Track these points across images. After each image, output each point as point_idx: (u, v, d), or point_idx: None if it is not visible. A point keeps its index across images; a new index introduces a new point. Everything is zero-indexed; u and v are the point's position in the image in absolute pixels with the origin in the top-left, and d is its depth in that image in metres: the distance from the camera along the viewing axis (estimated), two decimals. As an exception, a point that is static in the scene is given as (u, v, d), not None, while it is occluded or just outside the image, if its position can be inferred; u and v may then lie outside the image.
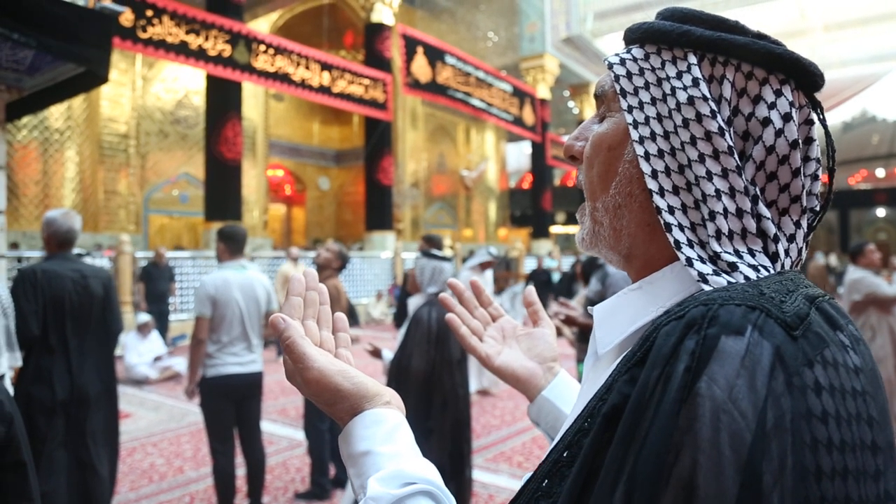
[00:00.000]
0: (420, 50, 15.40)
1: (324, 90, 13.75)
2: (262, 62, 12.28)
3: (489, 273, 8.01)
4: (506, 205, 28.42)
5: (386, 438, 0.67)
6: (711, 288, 0.53)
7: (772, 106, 0.57)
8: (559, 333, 4.48)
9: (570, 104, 27.17)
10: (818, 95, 0.61)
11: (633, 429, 0.47)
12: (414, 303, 3.50)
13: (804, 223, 0.60)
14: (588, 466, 0.50)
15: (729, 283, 0.53)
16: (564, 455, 0.54)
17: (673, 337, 0.48)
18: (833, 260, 24.59)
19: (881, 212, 29.42)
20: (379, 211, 16.03)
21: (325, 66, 13.80)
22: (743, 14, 20.96)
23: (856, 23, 22.24)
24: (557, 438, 0.58)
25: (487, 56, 21.97)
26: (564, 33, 21.64)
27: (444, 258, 3.47)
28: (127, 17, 9.80)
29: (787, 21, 22.87)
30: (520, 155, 29.76)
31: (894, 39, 21.49)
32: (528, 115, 20.46)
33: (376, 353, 3.54)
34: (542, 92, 21.60)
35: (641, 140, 0.61)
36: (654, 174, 0.59)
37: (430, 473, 0.66)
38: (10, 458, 1.62)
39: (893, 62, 20.72)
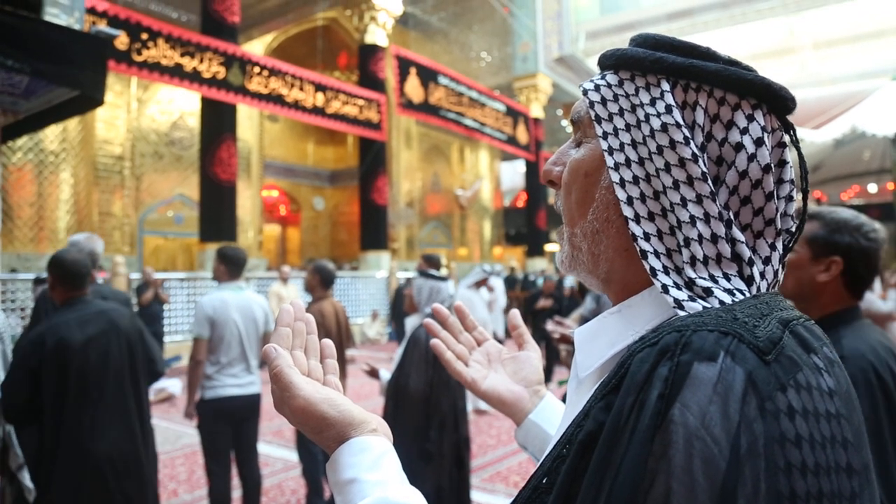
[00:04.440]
0: (413, 70, 15.46)
1: (318, 111, 13.77)
2: (256, 84, 12.30)
3: (484, 290, 8.22)
4: (500, 223, 28.40)
5: (372, 466, 0.67)
6: (687, 313, 0.53)
7: (744, 131, 0.58)
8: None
9: (564, 123, 27.26)
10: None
11: (608, 456, 0.47)
12: (411, 323, 3.49)
13: (779, 245, 0.60)
14: (565, 493, 0.50)
15: (704, 308, 0.53)
16: (544, 482, 0.54)
17: (647, 364, 0.48)
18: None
19: (874, 227, 29.47)
20: (374, 231, 15.98)
21: (319, 87, 13.83)
22: (734, 33, 21.19)
23: (845, 40, 22.47)
24: (538, 464, 0.59)
25: (481, 76, 22.09)
26: (557, 53, 21.79)
27: (441, 278, 3.47)
28: (122, 40, 9.84)
29: (777, 39, 23.11)
30: (514, 174, 29.76)
31: (884, 56, 21.70)
32: (522, 134, 20.52)
33: (374, 374, 3.52)
34: (536, 111, 21.69)
35: (616, 166, 0.61)
36: (630, 201, 0.60)
37: (415, 500, 0.66)
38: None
39: (883, 79, 20.89)
